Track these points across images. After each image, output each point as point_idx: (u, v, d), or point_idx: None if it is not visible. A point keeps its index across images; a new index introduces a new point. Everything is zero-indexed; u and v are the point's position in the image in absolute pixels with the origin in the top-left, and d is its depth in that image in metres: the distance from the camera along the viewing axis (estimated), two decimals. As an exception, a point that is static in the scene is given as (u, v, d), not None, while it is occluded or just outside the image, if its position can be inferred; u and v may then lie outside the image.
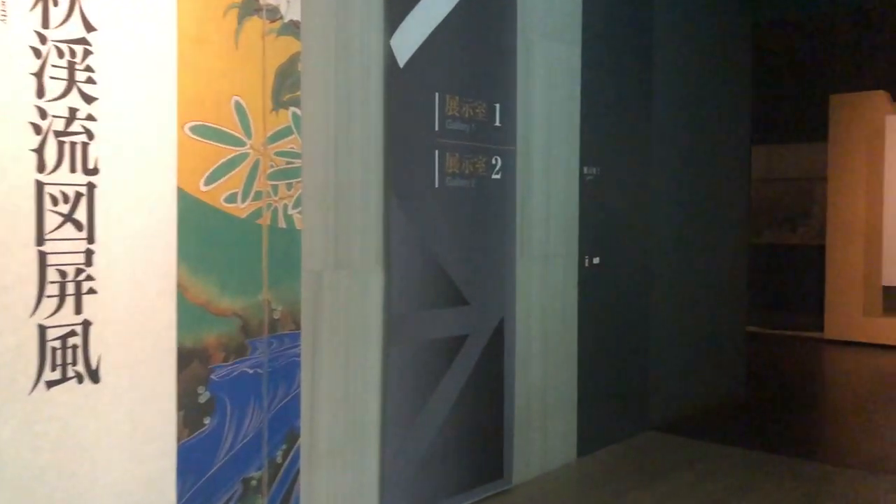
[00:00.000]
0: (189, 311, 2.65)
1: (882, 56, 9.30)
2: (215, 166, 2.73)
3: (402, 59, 3.41)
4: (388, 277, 3.38)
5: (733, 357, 6.50)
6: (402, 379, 3.46)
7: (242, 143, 2.82)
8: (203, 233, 2.70)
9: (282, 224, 2.95)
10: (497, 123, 3.90)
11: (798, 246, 10.22)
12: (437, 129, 3.58)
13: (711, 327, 6.12)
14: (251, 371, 2.85)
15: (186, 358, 2.64)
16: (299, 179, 3.02)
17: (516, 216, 4.04)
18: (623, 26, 5.00)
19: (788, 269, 10.11)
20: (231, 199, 2.78)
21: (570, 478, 4.46)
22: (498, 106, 3.90)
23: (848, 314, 9.14)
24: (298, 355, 3.02)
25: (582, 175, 4.57)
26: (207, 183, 2.71)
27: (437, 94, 3.57)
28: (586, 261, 4.62)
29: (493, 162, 3.88)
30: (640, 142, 5.17)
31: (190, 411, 2.65)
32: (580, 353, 4.61)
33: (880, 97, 8.91)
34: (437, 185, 3.59)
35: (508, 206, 3.98)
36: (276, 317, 2.93)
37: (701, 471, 4.55)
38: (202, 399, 2.69)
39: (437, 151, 3.58)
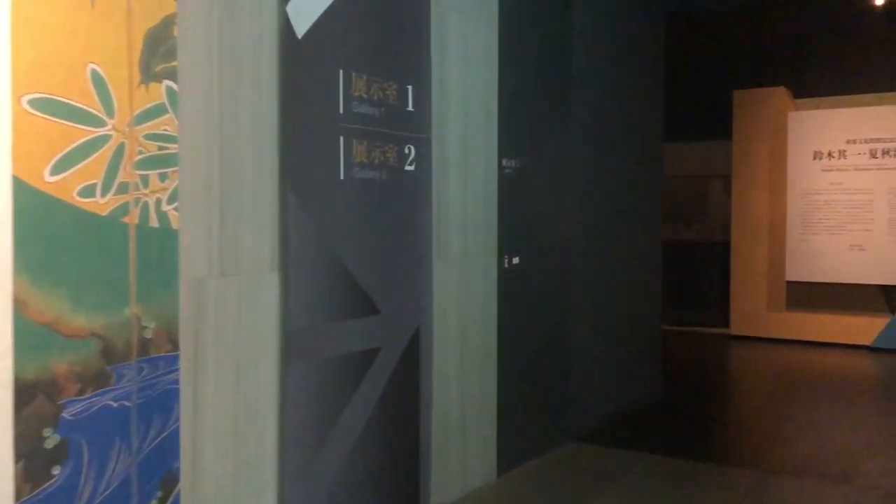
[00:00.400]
0: (30, 333, 2.09)
1: (783, 52, 9.36)
2: (66, 151, 2.18)
3: (300, 28, 2.91)
4: (286, 285, 2.89)
5: (650, 357, 6.29)
6: (304, 404, 2.97)
7: (102, 123, 2.28)
8: (49, 234, 2.14)
9: (153, 223, 2.42)
10: (410, 108, 3.45)
11: (701, 243, 10.22)
12: (341, 111, 3.10)
13: (629, 328, 5.87)
14: (115, 404, 2.30)
15: (27, 392, 2.08)
16: (175, 168, 2.49)
17: (432, 212, 3.60)
18: (541, 8, 4.65)
19: (691, 266, 10.09)
20: (88, 192, 2.24)
21: (492, 500, 4.06)
22: (410, 88, 3.45)
23: (753, 310, 9.16)
24: (177, 382, 2.49)
25: (501, 168, 4.18)
26: (55, 172, 2.15)
27: (341, 72, 3.10)
28: (506, 261, 4.24)
29: (406, 151, 3.43)
30: (560, 134, 4.84)
31: (33, 460, 2.09)
32: (500, 362, 4.22)
33: (782, 93, 8.96)
34: (342, 177, 3.11)
35: (423, 201, 3.54)
36: (147, 336, 2.40)
37: (627, 485, 4.24)
38: (49, 444, 2.13)
39: (341, 138, 3.10)
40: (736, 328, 9.28)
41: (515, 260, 4.31)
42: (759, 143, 9.07)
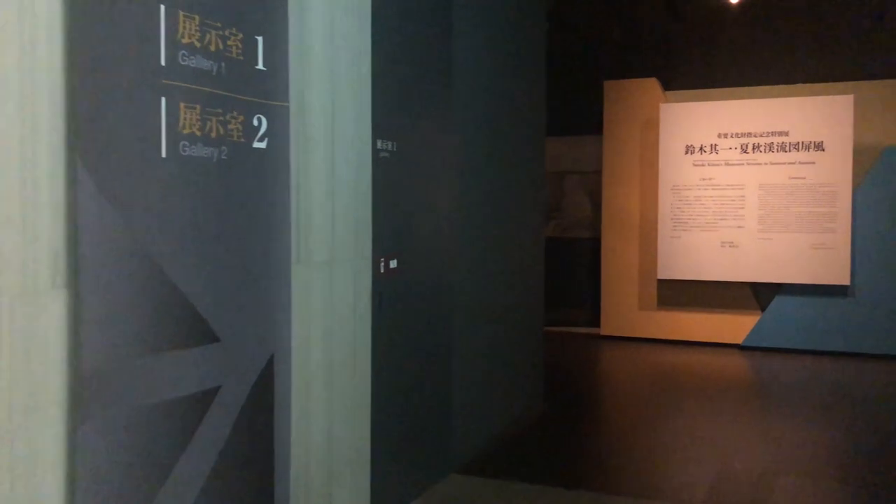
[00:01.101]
0: None
1: (653, 44, 9.10)
2: None
3: (96, -64, 2.02)
4: (78, 306, 1.99)
5: (532, 370, 5.70)
6: (107, 474, 2.08)
7: None
8: None
9: None
10: (260, 65, 2.61)
11: (571, 240, 9.84)
12: (162, 63, 2.23)
13: (511, 338, 5.25)
14: None
15: None
16: None
17: (290, 203, 2.77)
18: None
19: (561, 263, 9.70)
20: None
21: (366, 561, 3.29)
22: (261, 40, 2.61)
23: (624, 309, 8.85)
24: None
25: (376, 150, 3.41)
26: None
27: (162, 8, 2.22)
28: (381, 265, 3.47)
29: (255, 123, 2.59)
30: (443, 114, 4.12)
31: None
32: (375, 390, 3.45)
33: (653, 85, 8.67)
34: (164, 155, 2.23)
35: (278, 190, 2.70)
36: None
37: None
38: None
39: (163, 100, 2.23)
40: (607, 328, 8.94)
41: (393, 263, 3.55)
42: (630, 136, 8.76)
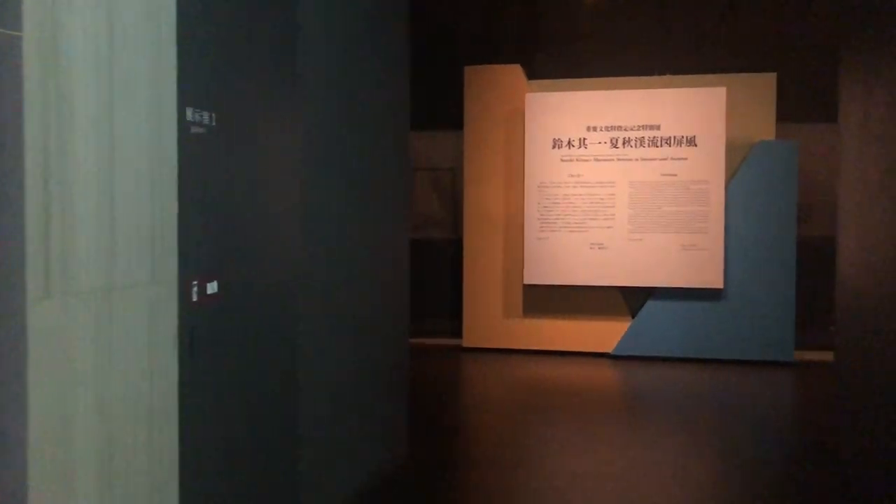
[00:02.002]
0: None
1: (515, 28, 8.40)
2: None
3: None
4: None
5: (394, 407, 4.75)
6: None
7: None
8: None
9: None
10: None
11: (432, 241, 9.00)
12: None
13: (371, 369, 4.27)
14: None
15: None
16: None
17: (25, 203, 1.68)
18: None
19: (421, 267, 8.83)
20: None
21: None
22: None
23: (488, 318, 8.09)
24: None
25: (184, 124, 2.33)
26: None
27: None
28: (194, 290, 2.40)
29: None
30: (284, 87, 3.08)
31: None
32: (186, 463, 2.38)
33: (517, 72, 7.96)
34: None
35: (12, 181, 1.61)
36: None
37: None
38: None
39: None
40: (469, 339, 8.15)
41: (212, 287, 2.49)
42: (493, 128, 8.00)
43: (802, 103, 8.11)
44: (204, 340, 2.44)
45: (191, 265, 2.35)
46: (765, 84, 7.55)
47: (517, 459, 4.78)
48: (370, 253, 4.15)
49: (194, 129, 2.38)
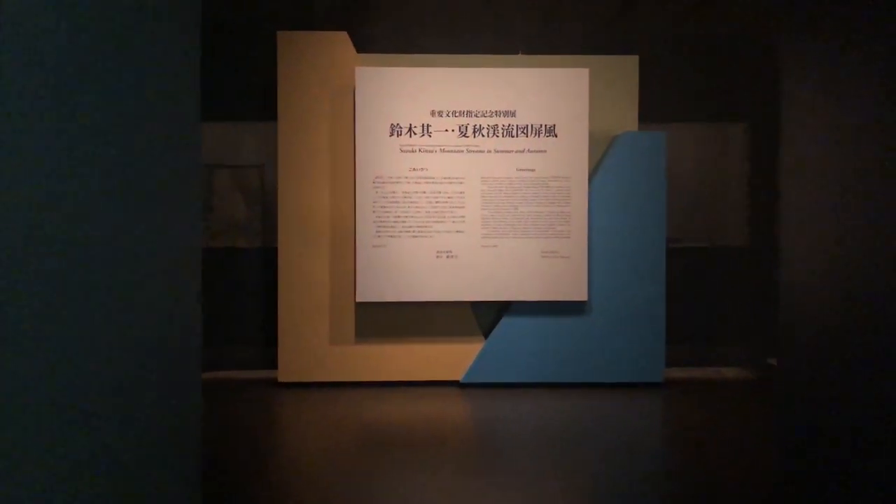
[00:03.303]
0: None
1: (338, -4, 6.99)
2: None
3: None
4: None
5: (179, 448, 3.16)
6: None
7: None
8: None
9: None
10: None
11: (232, 251, 7.32)
12: None
13: (142, 404, 2.69)
14: None
15: None
16: None
17: None
18: None
19: (229, 283, 7.14)
20: None
21: None
22: None
23: (311, 344, 6.57)
24: None
25: None
26: None
27: None
28: None
29: None
30: None
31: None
32: None
33: (344, 42, 6.54)
34: None
35: None
36: None
37: None
38: None
39: None
40: (287, 372, 6.58)
41: None
42: (315, 111, 6.52)
43: (666, 94, 7.35)
44: None
45: None
46: (626, 67, 6.67)
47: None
48: (128, 267, 2.57)
49: None
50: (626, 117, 6.68)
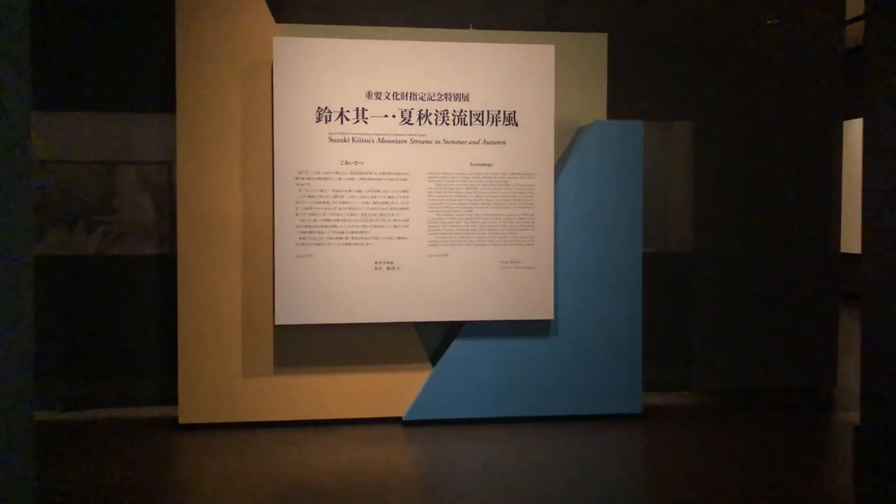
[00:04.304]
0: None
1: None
2: None
3: None
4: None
5: None
6: None
7: None
8: None
9: None
10: None
11: (130, 259, 6.01)
12: None
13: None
14: None
15: None
16: None
17: None
18: None
19: (109, 299, 5.82)
20: None
21: None
22: None
23: (218, 377, 5.36)
24: None
25: None
26: None
27: None
28: None
29: None
30: None
31: None
32: None
33: (258, 6, 5.37)
34: None
35: None
36: None
37: None
38: None
39: None
40: (188, 411, 5.34)
41: None
42: (223, 92, 5.32)
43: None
44: None
45: None
46: (594, 46, 5.72)
47: None
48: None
49: None
50: (593, 105, 5.73)
